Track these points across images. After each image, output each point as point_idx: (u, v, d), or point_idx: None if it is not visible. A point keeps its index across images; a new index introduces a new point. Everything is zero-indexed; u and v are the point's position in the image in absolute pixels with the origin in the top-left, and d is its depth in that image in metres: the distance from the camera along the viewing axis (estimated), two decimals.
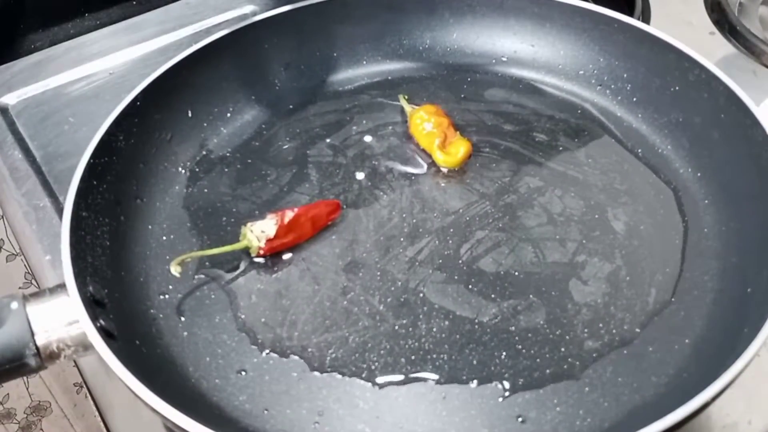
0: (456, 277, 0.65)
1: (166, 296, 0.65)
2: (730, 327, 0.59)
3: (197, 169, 0.75)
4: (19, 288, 0.94)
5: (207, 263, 0.67)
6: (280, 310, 0.64)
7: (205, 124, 0.77)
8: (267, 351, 0.62)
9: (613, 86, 0.79)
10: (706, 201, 0.69)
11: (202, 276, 0.66)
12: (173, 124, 0.75)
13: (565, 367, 0.59)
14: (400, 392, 0.59)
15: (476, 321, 0.62)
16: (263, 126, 0.79)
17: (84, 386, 0.68)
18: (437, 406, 0.58)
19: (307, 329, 0.63)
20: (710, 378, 0.51)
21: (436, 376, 0.59)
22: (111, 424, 0.64)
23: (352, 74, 0.84)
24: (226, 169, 0.75)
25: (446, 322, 0.62)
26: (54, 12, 0.99)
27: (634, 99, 0.77)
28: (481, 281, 0.65)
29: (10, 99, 0.91)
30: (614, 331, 0.61)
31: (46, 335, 0.56)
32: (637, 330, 0.61)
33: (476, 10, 0.83)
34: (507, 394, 0.58)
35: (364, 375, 0.60)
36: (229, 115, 0.79)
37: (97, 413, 0.65)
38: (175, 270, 0.63)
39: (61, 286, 0.58)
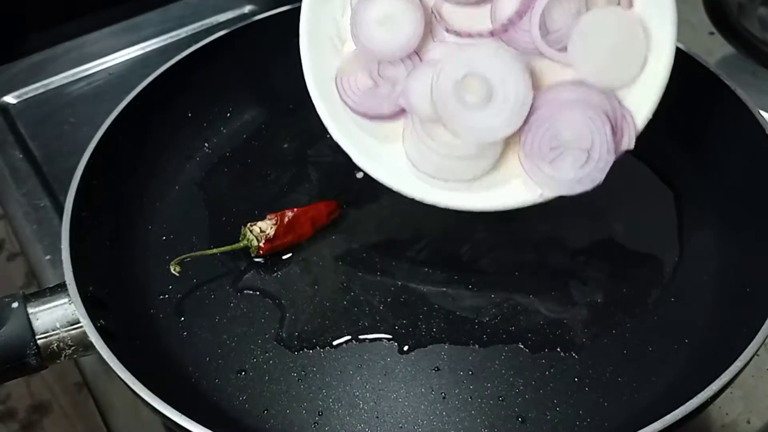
0: (456, 277, 0.65)
1: (166, 296, 0.65)
2: (730, 327, 0.59)
3: (197, 170, 0.75)
4: (20, 288, 0.94)
5: (207, 263, 0.67)
6: (279, 310, 0.64)
7: (205, 124, 0.77)
8: (267, 351, 0.62)
9: None
10: (706, 201, 0.69)
11: (202, 276, 0.66)
12: (173, 124, 0.75)
13: (565, 367, 0.59)
14: (400, 392, 0.59)
15: (476, 321, 0.62)
16: (263, 126, 0.79)
17: (85, 386, 0.68)
18: (437, 406, 0.58)
19: (307, 329, 0.63)
20: (710, 378, 0.51)
21: (436, 376, 0.60)
22: (111, 424, 0.64)
23: None
24: (226, 169, 0.75)
25: (446, 322, 0.62)
26: (54, 12, 0.99)
27: None
28: (481, 281, 0.65)
29: (11, 99, 0.91)
30: (614, 331, 0.61)
31: (47, 335, 0.56)
32: (637, 330, 0.61)
33: None
34: (507, 393, 0.58)
35: (364, 375, 0.60)
36: (229, 115, 0.79)
37: (97, 413, 0.65)
38: (175, 270, 0.63)
39: (61, 286, 0.58)
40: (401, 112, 0.61)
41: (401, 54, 0.60)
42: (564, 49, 0.57)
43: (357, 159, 0.62)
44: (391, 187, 0.62)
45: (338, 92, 0.62)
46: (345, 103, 0.62)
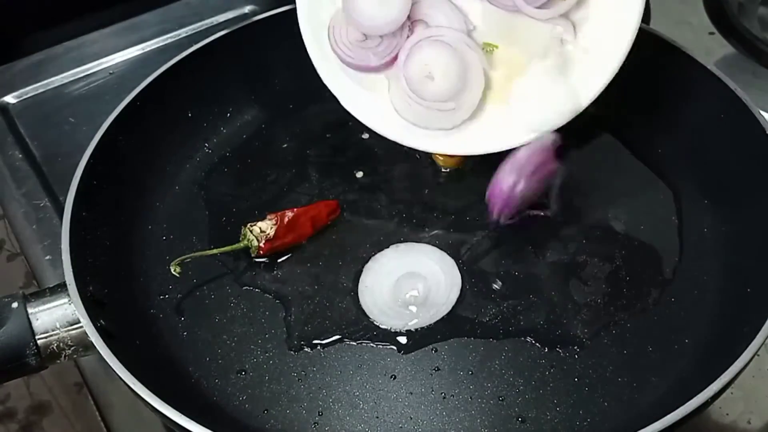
0: None
1: (166, 296, 0.65)
2: (730, 327, 0.59)
3: (197, 170, 0.75)
4: (20, 288, 0.94)
5: (207, 263, 0.67)
6: (280, 310, 0.64)
7: (205, 124, 0.77)
8: (267, 351, 0.62)
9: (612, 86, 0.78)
10: (706, 201, 0.69)
11: (202, 276, 0.66)
12: (173, 124, 0.75)
13: (565, 367, 0.59)
14: (400, 392, 0.59)
15: (476, 321, 0.62)
16: (263, 126, 0.79)
17: (84, 386, 0.68)
18: (437, 406, 0.58)
19: (307, 329, 0.63)
20: (710, 378, 0.51)
21: (436, 376, 0.59)
22: (111, 424, 0.64)
23: None
24: (226, 169, 0.75)
25: (446, 322, 0.62)
26: (54, 12, 0.99)
27: (634, 99, 0.77)
28: (481, 281, 0.65)
29: (11, 99, 0.91)
30: (614, 331, 0.61)
31: (47, 335, 0.56)
32: (638, 330, 0.61)
33: None
34: (507, 393, 0.58)
35: (364, 375, 0.60)
36: (229, 115, 0.79)
37: (97, 413, 0.66)
38: (175, 270, 0.63)
39: (61, 286, 0.58)
40: (387, 64, 0.66)
41: (392, 28, 0.64)
42: (543, 6, 0.61)
43: (344, 102, 0.68)
44: (376, 131, 0.68)
45: (330, 43, 0.67)
46: (336, 53, 0.67)
